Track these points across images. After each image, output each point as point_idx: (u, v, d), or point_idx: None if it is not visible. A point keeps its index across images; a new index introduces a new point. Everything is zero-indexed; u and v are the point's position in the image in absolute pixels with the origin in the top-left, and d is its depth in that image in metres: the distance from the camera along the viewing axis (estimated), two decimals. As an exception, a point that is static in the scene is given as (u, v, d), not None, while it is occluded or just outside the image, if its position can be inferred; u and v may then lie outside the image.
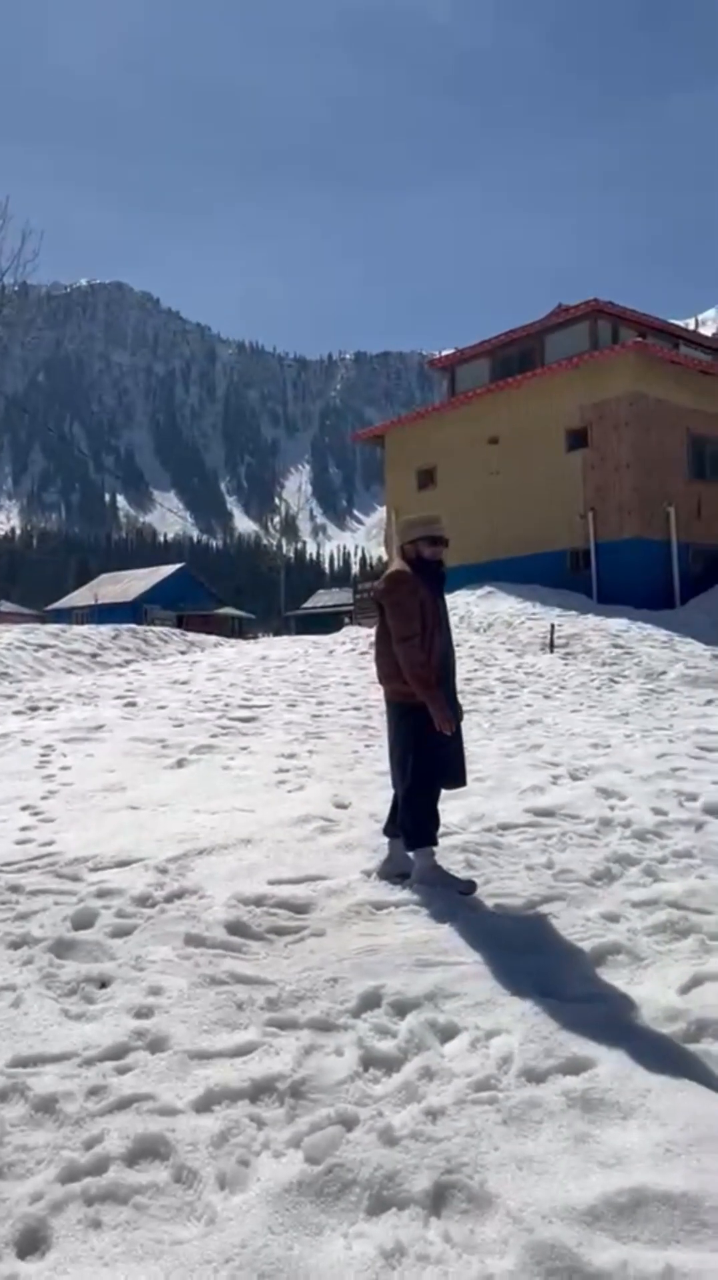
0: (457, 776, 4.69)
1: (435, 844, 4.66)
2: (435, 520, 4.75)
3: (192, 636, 22.83)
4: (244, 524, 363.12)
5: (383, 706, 4.95)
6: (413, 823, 4.60)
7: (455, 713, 4.63)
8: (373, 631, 4.98)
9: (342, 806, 5.94)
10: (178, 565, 72.26)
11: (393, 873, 4.68)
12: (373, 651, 4.82)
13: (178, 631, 23.31)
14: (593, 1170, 2.46)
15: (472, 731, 9.12)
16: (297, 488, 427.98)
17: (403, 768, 4.62)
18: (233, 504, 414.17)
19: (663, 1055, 3.03)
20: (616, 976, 3.67)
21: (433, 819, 4.65)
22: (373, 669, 4.85)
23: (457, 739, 4.64)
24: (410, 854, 4.64)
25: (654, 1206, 2.32)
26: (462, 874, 4.67)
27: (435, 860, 4.62)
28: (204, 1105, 2.75)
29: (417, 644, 4.48)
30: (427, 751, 4.58)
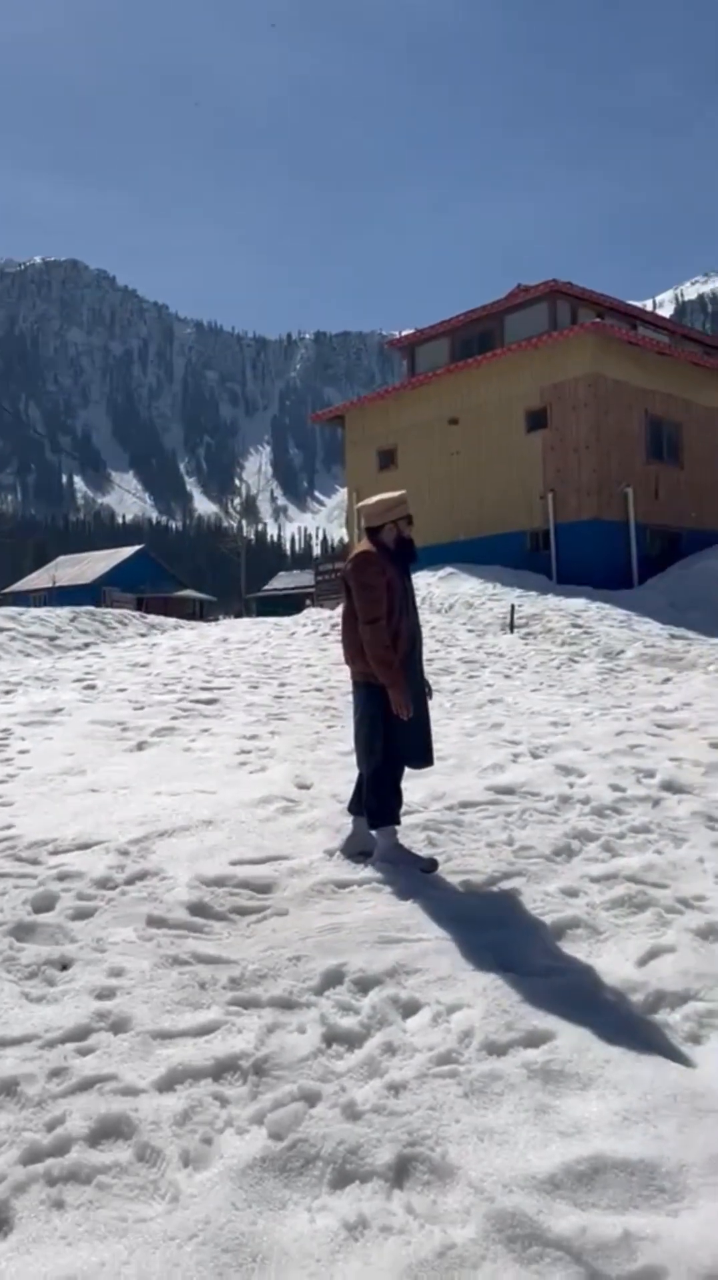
0: (422, 756, 4.71)
1: (398, 823, 4.68)
2: (406, 499, 4.76)
3: (151, 619, 22.68)
4: (204, 505, 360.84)
5: (347, 687, 4.96)
6: (376, 801, 4.61)
7: (421, 691, 4.65)
8: (335, 613, 4.97)
9: (304, 787, 5.94)
10: (137, 547, 71.61)
11: (355, 850, 4.70)
12: (339, 631, 4.82)
13: (137, 614, 23.15)
14: (553, 1140, 2.50)
15: (433, 711, 9.16)
16: (257, 469, 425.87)
17: (368, 747, 4.63)
18: (192, 485, 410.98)
19: (621, 1026, 3.08)
20: (575, 950, 3.72)
21: (396, 798, 4.67)
22: (337, 649, 4.85)
23: (423, 718, 4.66)
24: (373, 832, 4.66)
25: (613, 1173, 2.37)
26: (424, 852, 4.70)
27: (398, 839, 4.64)
28: (167, 1084, 2.76)
29: (382, 626, 4.47)
30: (392, 731, 4.60)
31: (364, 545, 4.68)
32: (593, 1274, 2.07)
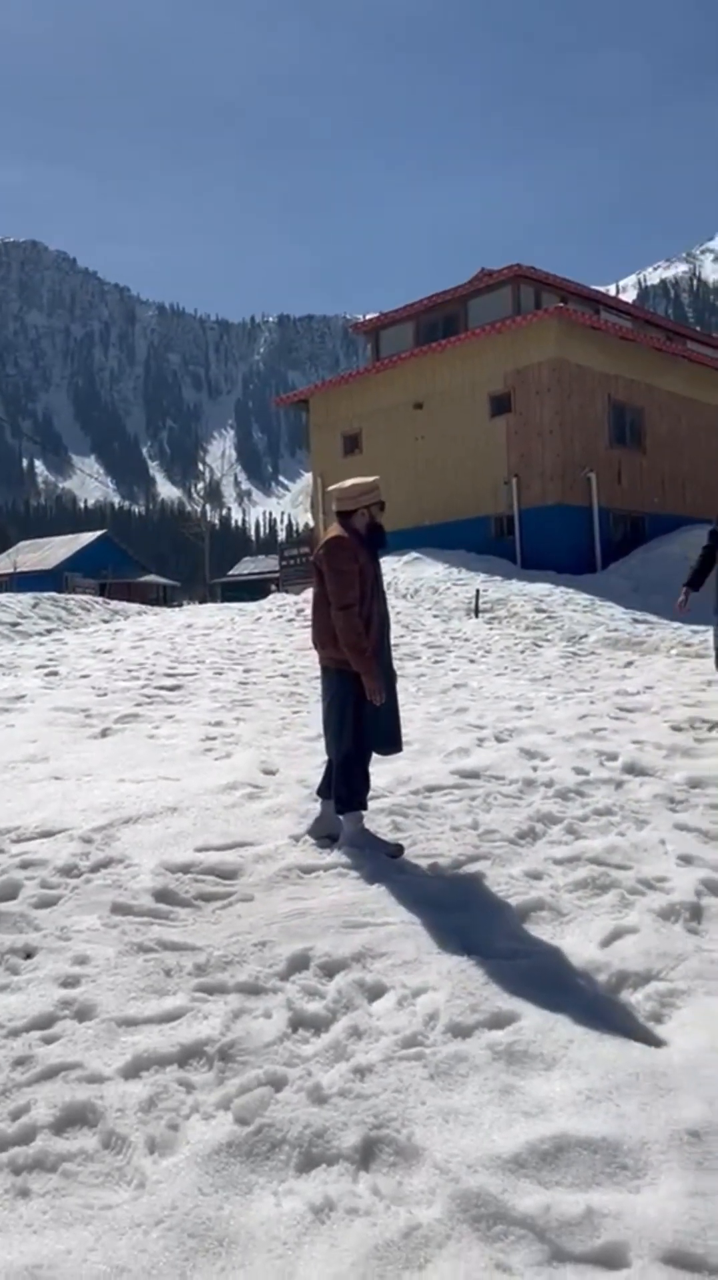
0: (392, 742, 4.72)
1: (365, 808, 4.69)
2: (379, 485, 4.77)
3: (114, 604, 22.52)
4: (167, 490, 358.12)
5: (313, 673, 4.96)
6: (346, 787, 4.63)
7: (391, 677, 4.66)
8: (301, 598, 4.96)
9: (270, 773, 5.93)
10: (99, 532, 70.94)
11: (323, 833, 4.72)
12: (306, 616, 4.81)
13: (100, 599, 22.97)
14: (517, 1120, 2.53)
15: (399, 696, 9.18)
16: (220, 453, 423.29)
17: (338, 733, 4.64)
18: (155, 469, 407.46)
19: (585, 1007, 3.12)
20: (539, 932, 3.75)
21: (364, 783, 4.68)
22: (303, 635, 4.84)
23: (392, 704, 4.67)
24: (340, 817, 4.67)
25: (576, 1152, 2.40)
26: (389, 837, 4.72)
27: (364, 824, 4.65)
28: (132, 1071, 2.75)
29: (355, 612, 4.46)
30: (362, 717, 4.62)
31: (336, 530, 4.65)
32: (557, 1251, 2.10)
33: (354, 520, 4.69)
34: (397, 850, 4.53)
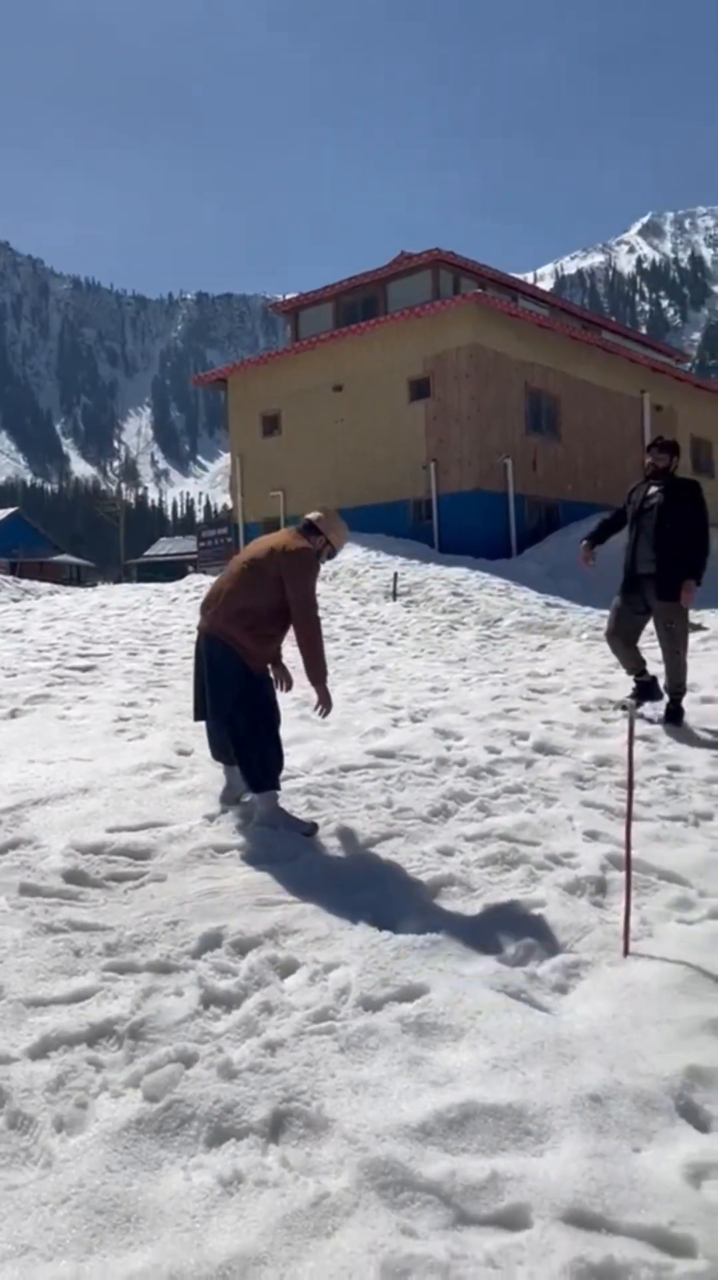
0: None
1: (279, 788, 4.71)
2: (346, 539, 5.11)
3: (25, 584, 22.03)
4: (82, 468, 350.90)
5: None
6: (261, 767, 4.63)
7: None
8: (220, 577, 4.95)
9: (184, 753, 5.89)
10: (10, 510, 69.27)
11: (234, 797, 4.80)
12: (218, 590, 4.77)
13: (9, 578, 22.45)
14: (425, 1090, 2.57)
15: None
16: (137, 431, 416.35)
17: (246, 712, 4.62)
18: (69, 446, 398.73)
19: (492, 979, 3.18)
20: (450, 906, 3.81)
21: (277, 763, 4.70)
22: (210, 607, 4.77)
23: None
24: (255, 797, 4.68)
25: (482, 1119, 2.45)
26: (305, 816, 4.74)
27: (279, 803, 4.67)
28: (40, 1051, 2.72)
29: (319, 630, 4.62)
30: (266, 696, 4.67)
31: (306, 542, 4.76)
32: (461, 1214, 2.15)
33: (314, 542, 4.84)
34: (311, 829, 4.55)
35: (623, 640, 6.99)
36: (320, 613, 14.00)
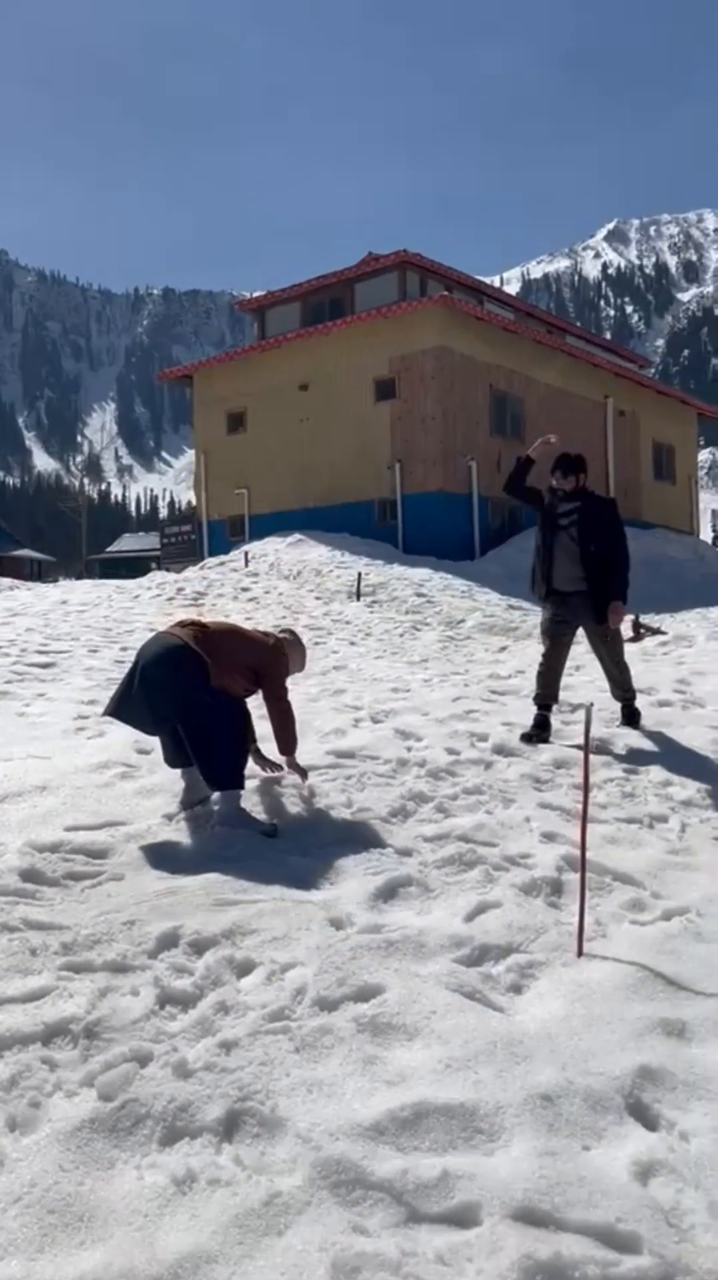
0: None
1: (242, 787, 4.71)
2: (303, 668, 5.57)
3: (-14, 578, 21.77)
4: (44, 462, 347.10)
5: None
6: (226, 766, 4.63)
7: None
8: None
9: (144, 752, 5.86)
10: (-29, 503, 68.33)
11: (195, 800, 4.78)
12: (201, 622, 4.97)
13: (-29, 573, 22.18)
14: (379, 1089, 2.60)
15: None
16: (100, 426, 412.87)
17: (206, 708, 4.60)
18: (31, 440, 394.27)
19: (447, 979, 3.21)
20: (407, 907, 3.84)
21: (240, 763, 4.71)
22: (184, 614, 4.85)
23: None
24: (216, 796, 4.68)
25: (434, 1118, 2.48)
26: (264, 816, 4.74)
27: (240, 804, 4.67)
28: (-7, 1052, 2.71)
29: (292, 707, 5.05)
30: (233, 703, 4.75)
31: (282, 654, 5.13)
32: (413, 1213, 2.17)
33: (277, 652, 5.11)
34: (271, 830, 4.55)
35: (556, 666, 6.71)
36: (284, 611, 14.01)
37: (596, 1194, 2.23)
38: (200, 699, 4.62)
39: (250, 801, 4.87)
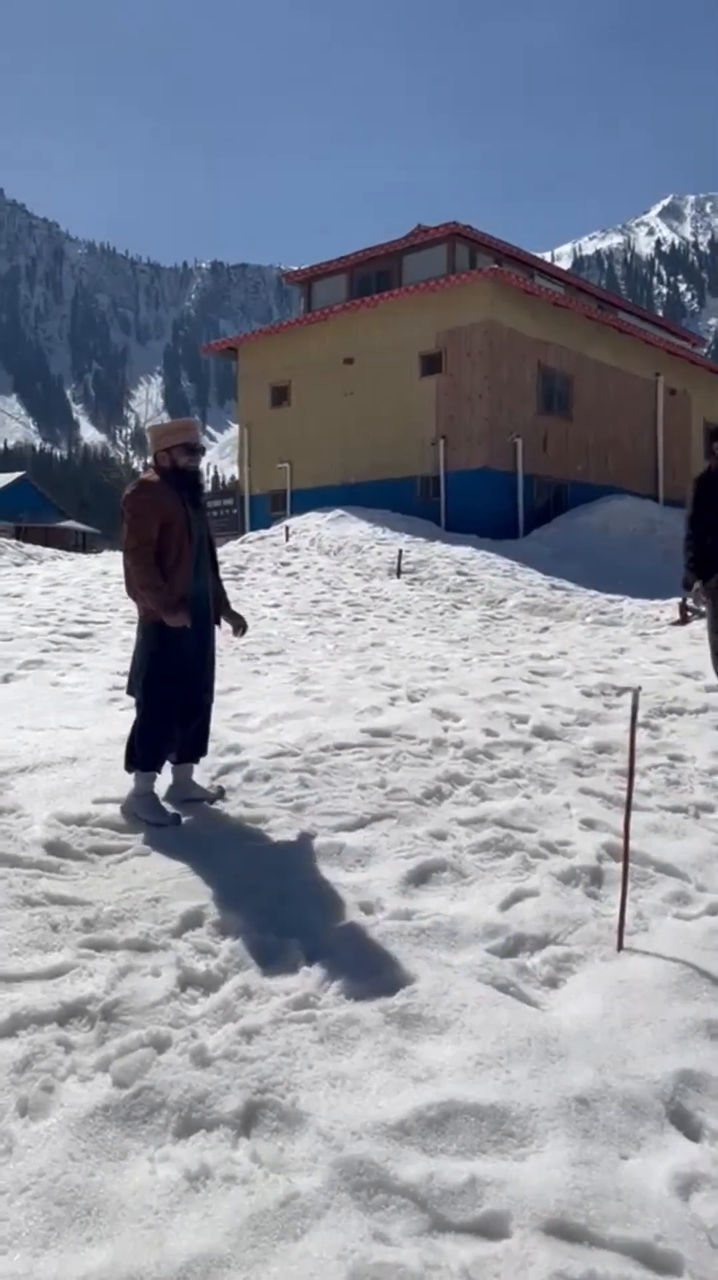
0: (189, 712, 4.48)
1: (159, 770, 4.39)
2: (190, 427, 4.57)
3: (28, 548, 21.92)
4: (91, 434, 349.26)
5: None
6: (140, 743, 4.32)
7: (206, 636, 4.51)
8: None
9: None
10: (18, 474, 68.91)
11: (181, 798, 4.50)
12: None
13: (12, 543, 22.33)
14: (405, 1085, 2.47)
15: (315, 653, 9.08)
16: (147, 399, 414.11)
17: (139, 686, 4.38)
18: (79, 413, 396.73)
19: (480, 970, 3.07)
20: (440, 893, 3.71)
21: (165, 744, 4.40)
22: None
23: (204, 675, 4.50)
24: (130, 775, 4.37)
25: (463, 1118, 2.35)
26: (296, 794, 4.60)
27: (153, 789, 4.36)
28: (9, 1030, 2.62)
29: (146, 553, 4.25)
30: (164, 675, 4.34)
31: (148, 474, 4.47)
32: (437, 1221, 2.05)
33: (160, 462, 4.47)
34: (174, 821, 4.23)
35: None
36: (323, 586, 13.88)
37: (633, 1208, 2.09)
38: (135, 667, 4.44)
39: (283, 779, 4.75)
